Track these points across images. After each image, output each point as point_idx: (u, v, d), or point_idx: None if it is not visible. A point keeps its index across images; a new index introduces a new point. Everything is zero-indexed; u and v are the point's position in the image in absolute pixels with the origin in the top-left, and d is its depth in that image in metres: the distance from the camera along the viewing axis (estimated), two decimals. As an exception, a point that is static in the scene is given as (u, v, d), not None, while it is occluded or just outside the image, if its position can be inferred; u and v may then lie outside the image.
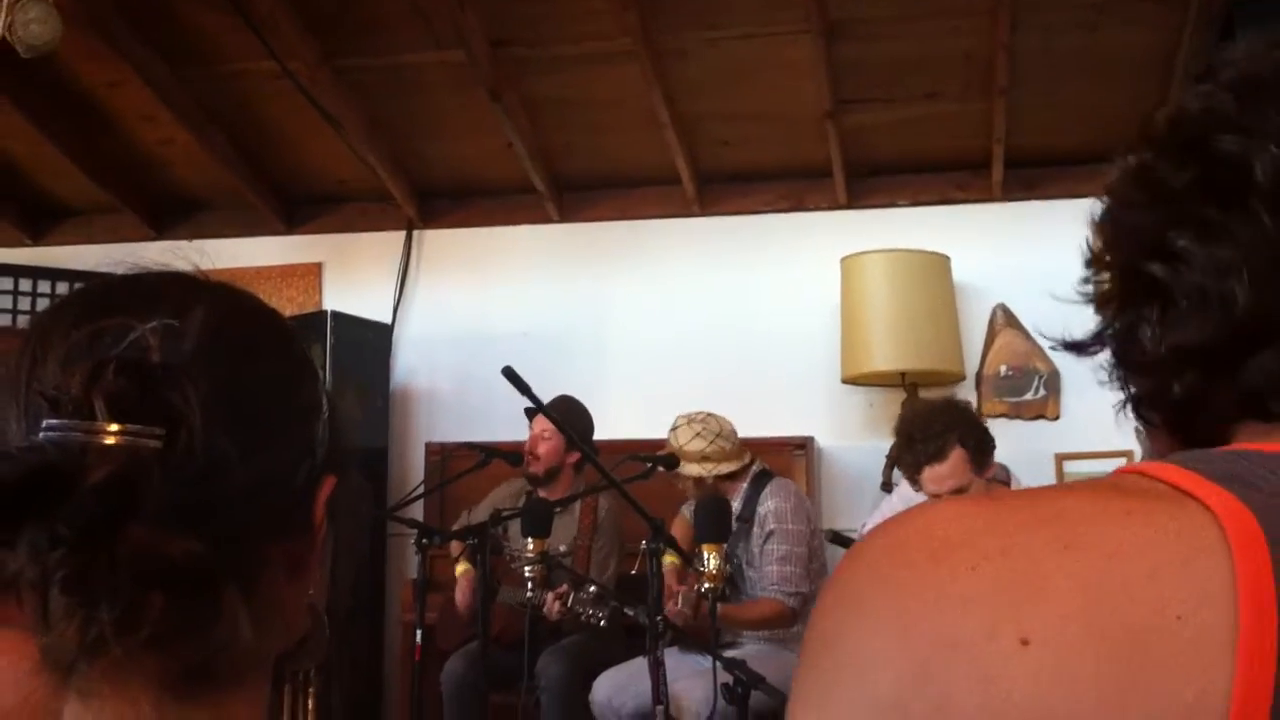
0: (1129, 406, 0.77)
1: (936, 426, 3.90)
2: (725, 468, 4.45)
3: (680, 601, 4.01)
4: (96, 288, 0.92)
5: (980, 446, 3.91)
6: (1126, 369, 0.76)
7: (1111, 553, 0.58)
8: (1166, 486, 0.62)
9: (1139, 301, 0.73)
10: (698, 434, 4.44)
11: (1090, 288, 0.79)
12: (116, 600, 0.73)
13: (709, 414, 4.52)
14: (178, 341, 0.79)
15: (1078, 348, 0.79)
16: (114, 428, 0.74)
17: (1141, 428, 0.78)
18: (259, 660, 0.83)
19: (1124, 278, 0.76)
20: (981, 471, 3.91)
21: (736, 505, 4.45)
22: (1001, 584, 0.58)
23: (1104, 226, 0.78)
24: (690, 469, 4.41)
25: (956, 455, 3.83)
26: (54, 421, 0.75)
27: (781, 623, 4.31)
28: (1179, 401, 0.72)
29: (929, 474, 3.86)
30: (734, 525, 4.41)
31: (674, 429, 4.51)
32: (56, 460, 0.73)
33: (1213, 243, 0.69)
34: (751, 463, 4.57)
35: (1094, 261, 0.78)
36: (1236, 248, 0.68)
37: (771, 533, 4.36)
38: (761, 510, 4.41)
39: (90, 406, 0.75)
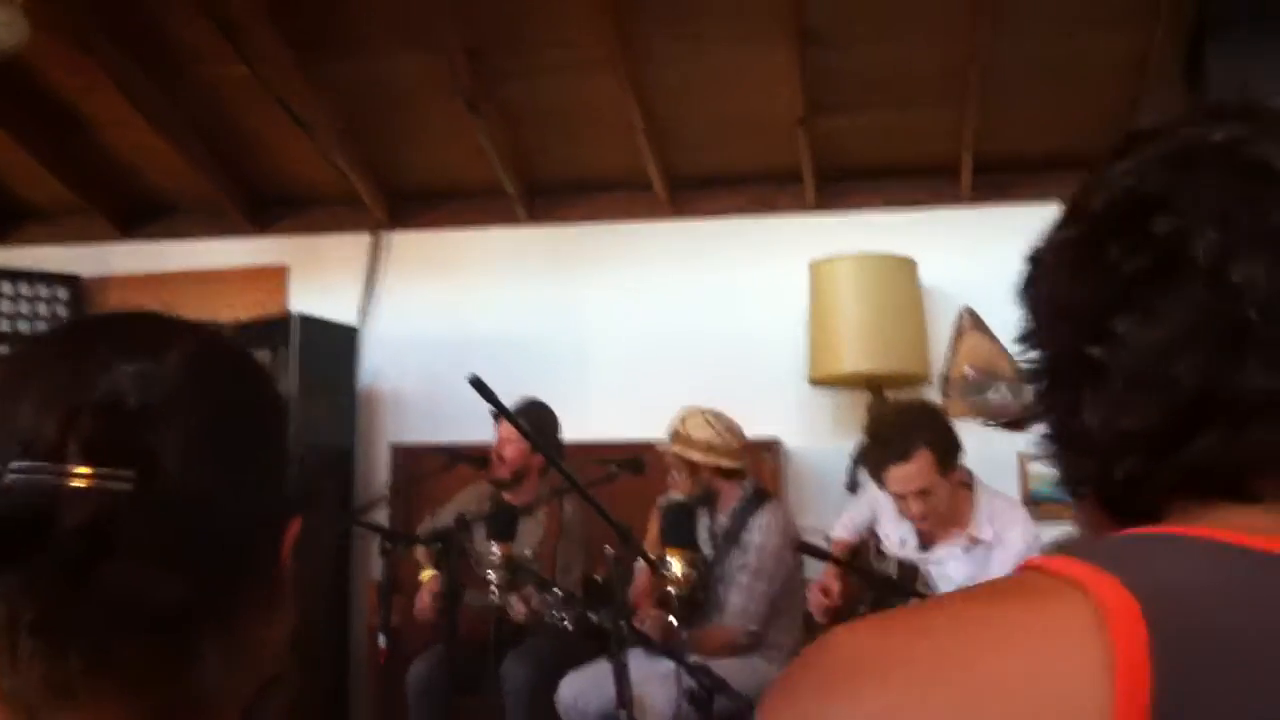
0: (1064, 481, 0.78)
1: (904, 427, 3.90)
2: (726, 462, 4.45)
3: (649, 624, 3.99)
4: (73, 327, 0.92)
5: (947, 450, 3.90)
6: (1064, 448, 0.77)
7: (1001, 653, 0.62)
8: (1060, 580, 0.65)
9: (1076, 381, 0.74)
10: (708, 423, 4.46)
11: (1023, 363, 0.79)
12: (86, 644, 0.73)
13: (718, 411, 4.53)
14: (154, 383, 0.79)
15: (1015, 424, 0.81)
16: (84, 470, 0.74)
17: (1073, 499, 0.79)
18: (231, 702, 0.82)
19: (1060, 357, 0.76)
20: (947, 474, 3.91)
21: (724, 520, 4.46)
22: (900, 697, 0.62)
23: (1037, 305, 0.79)
24: (692, 454, 4.40)
25: (922, 457, 3.83)
26: (23, 464, 0.75)
27: (739, 651, 4.32)
28: (1121, 483, 0.73)
29: (893, 474, 3.86)
30: (719, 540, 4.42)
31: (682, 418, 4.50)
32: (28, 503, 0.74)
33: (1153, 326, 0.70)
34: (744, 475, 4.56)
35: (1027, 338, 0.79)
36: (1177, 330, 0.69)
37: (746, 565, 4.36)
38: (747, 538, 4.41)
39: (64, 449, 0.75)
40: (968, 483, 4.05)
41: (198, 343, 0.86)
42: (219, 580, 0.79)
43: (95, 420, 0.75)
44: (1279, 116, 0.75)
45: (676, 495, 4.49)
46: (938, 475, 3.85)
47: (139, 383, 0.78)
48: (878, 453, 3.93)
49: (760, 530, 4.40)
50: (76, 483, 0.74)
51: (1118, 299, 0.72)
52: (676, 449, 4.43)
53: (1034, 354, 0.79)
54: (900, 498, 3.90)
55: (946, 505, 3.93)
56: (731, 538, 4.44)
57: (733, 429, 4.51)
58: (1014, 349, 0.79)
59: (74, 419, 0.75)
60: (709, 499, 4.45)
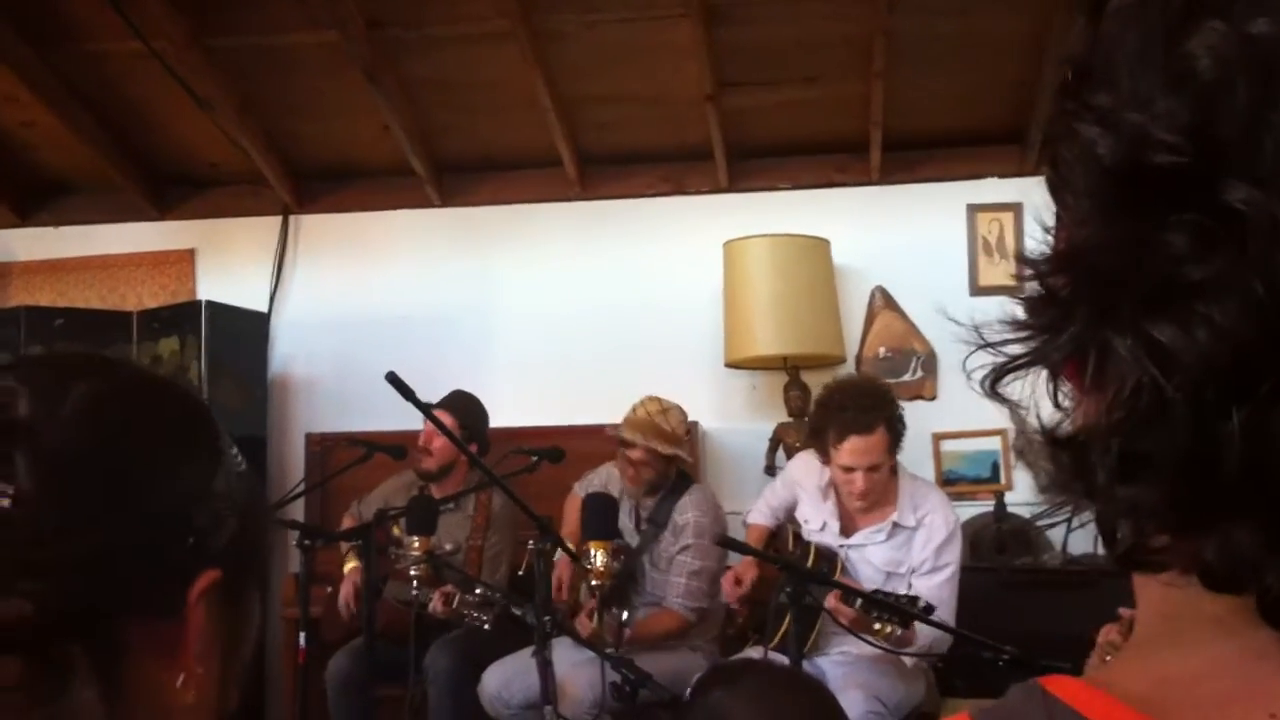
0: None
1: (868, 400, 3.93)
2: (683, 453, 4.46)
3: (589, 620, 3.99)
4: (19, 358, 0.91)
5: (898, 433, 3.95)
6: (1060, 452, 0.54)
7: None
8: None
9: (1090, 377, 0.52)
10: (664, 410, 4.43)
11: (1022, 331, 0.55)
12: None
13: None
14: (51, 407, 0.79)
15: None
16: None
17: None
18: None
19: (1077, 336, 0.52)
20: (894, 455, 3.97)
21: (649, 504, 4.46)
22: None
23: (1056, 241, 0.55)
24: (663, 448, 4.35)
25: (880, 433, 3.87)
26: None
27: (680, 636, 4.35)
28: (1123, 554, 0.53)
29: (852, 444, 3.85)
30: (642, 526, 4.43)
31: (649, 410, 4.44)
32: None
33: (1205, 342, 0.47)
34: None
35: (1039, 274, 0.54)
36: (1235, 359, 0.47)
37: (688, 546, 4.36)
38: (679, 520, 4.41)
39: None
40: (893, 467, 4.08)
41: (118, 378, 0.85)
42: (86, 607, 0.77)
43: None
44: None
45: (595, 483, 4.49)
46: (887, 454, 3.90)
47: (34, 402, 0.78)
48: (838, 421, 3.91)
49: (693, 508, 4.41)
50: None
51: (1161, 285, 0.49)
52: (657, 445, 4.34)
53: (1043, 311, 0.54)
54: (848, 471, 3.90)
55: (882, 488, 3.97)
56: (657, 523, 4.44)
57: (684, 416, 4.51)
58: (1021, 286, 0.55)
59: None
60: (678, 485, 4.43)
